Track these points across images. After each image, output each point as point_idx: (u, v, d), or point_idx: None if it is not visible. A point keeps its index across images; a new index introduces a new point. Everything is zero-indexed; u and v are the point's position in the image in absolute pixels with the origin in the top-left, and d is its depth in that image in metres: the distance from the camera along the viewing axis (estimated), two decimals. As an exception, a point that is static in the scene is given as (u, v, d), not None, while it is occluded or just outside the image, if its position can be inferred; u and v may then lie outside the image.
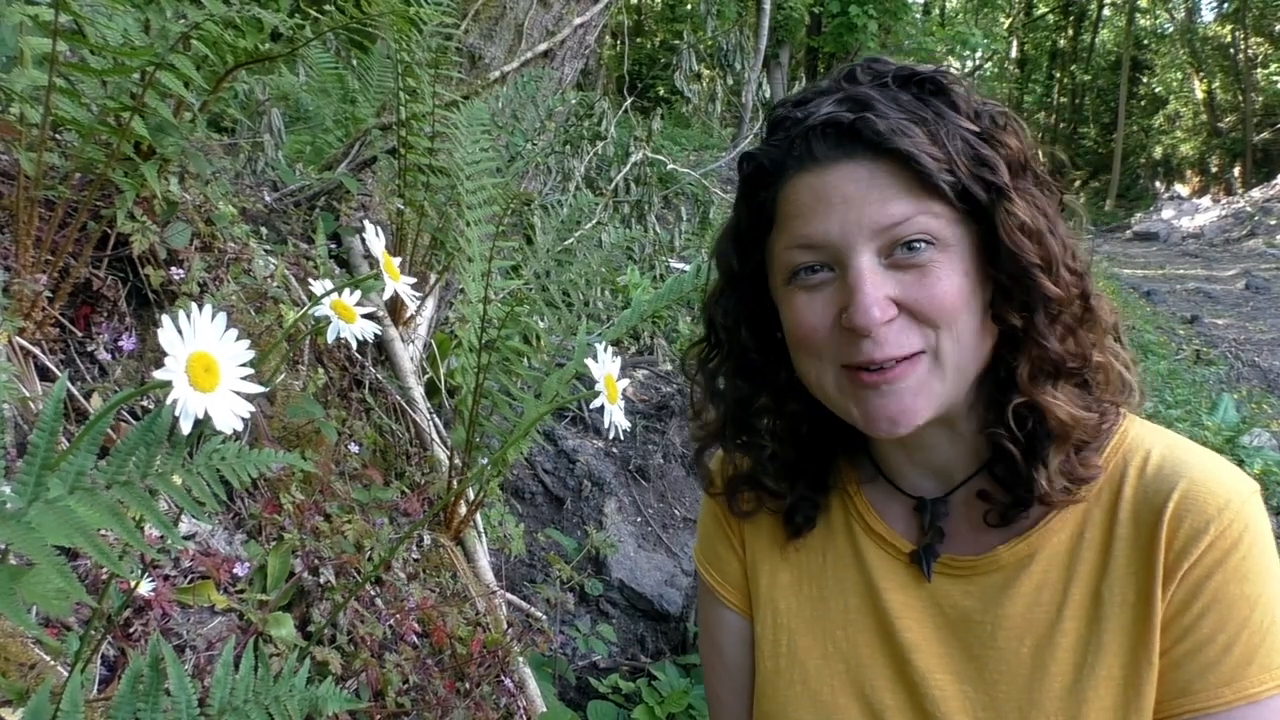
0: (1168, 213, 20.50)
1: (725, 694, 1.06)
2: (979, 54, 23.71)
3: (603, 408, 1.05)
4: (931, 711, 0.86)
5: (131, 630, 1.31)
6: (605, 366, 1.06)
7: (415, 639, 1.74)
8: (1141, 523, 0.80)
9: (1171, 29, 32.63)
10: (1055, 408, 0.80)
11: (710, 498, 1.04)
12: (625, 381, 1.14)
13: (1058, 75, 34.47)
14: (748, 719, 1.03)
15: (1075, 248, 0.83)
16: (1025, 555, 0.85)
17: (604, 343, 1.14)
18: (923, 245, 0.78)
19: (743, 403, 0.95)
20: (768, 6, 7.95)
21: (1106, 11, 32.23)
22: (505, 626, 2.02)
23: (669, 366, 4.21)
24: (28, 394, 1.41)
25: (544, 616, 2.31)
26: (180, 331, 0.71)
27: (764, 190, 0.86)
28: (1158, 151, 32.87)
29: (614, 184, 5.31)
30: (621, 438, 3.17)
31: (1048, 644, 0.83)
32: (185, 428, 0.69)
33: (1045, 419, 0.81)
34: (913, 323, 0.80)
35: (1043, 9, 32.38)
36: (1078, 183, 31.37)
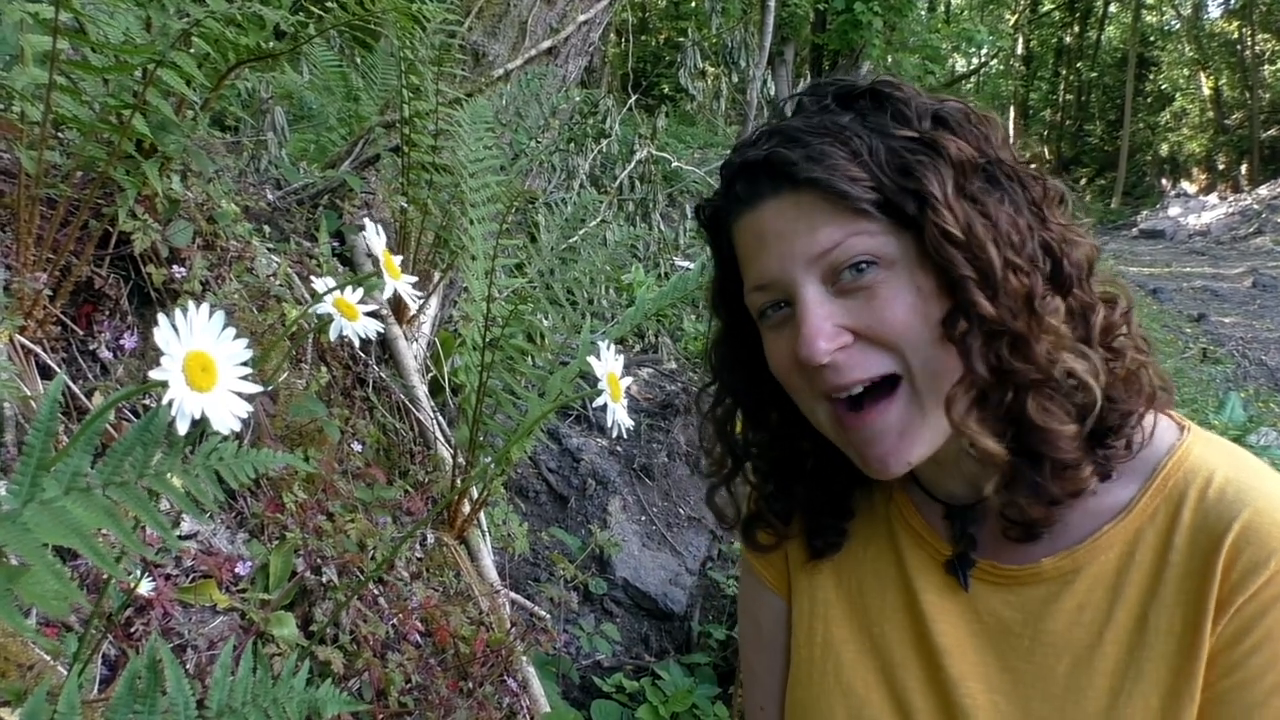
0: (1174, 210, 20.42)
1: (760, 669, 1.05)
2: (984, 51, 23.60)
3: (605, 406, 1.04)
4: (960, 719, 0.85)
5: (133, 630, 1.30)
6: (608, 364, 1.05)
7: (418, 638, 1.74)
8: (1198, 549, 0.76)
9: (1178, 25, 32.53)
10: (972, 437, 0.76)
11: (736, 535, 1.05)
12: (629, 380, 1.13)
13: (1063, 72, 34.35)
14: (781, 695, 1.01)
15: (1028, 243, 0.76)
16: (1070, 570, 0.81)
17: (608, 341, 1.13)
18: (866, 267, 0.77)
19: (743, 442, 0.97)
20: (772, 4, 7.91)
21: (1113, 8, 32.12)
22: (509, 626, 2.01)
23: (674, 365, 4.19)
24: (29, 393, 1.40)
25: (548, 616, 2.30)
26: (176, 330, 0.71)
27: (721, 236, 0.88)
28: (1164, 149, 32.73)
29: (618, 182, 5.31)
30: (625, 436, 3.16)
31: (1086, 666, 0.80)
32: (182, 428, 0.69)
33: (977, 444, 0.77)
34: (871, 347, 0.78)
35: (1048, 5, 32.23)
36: (1083, 180, 31.30)
